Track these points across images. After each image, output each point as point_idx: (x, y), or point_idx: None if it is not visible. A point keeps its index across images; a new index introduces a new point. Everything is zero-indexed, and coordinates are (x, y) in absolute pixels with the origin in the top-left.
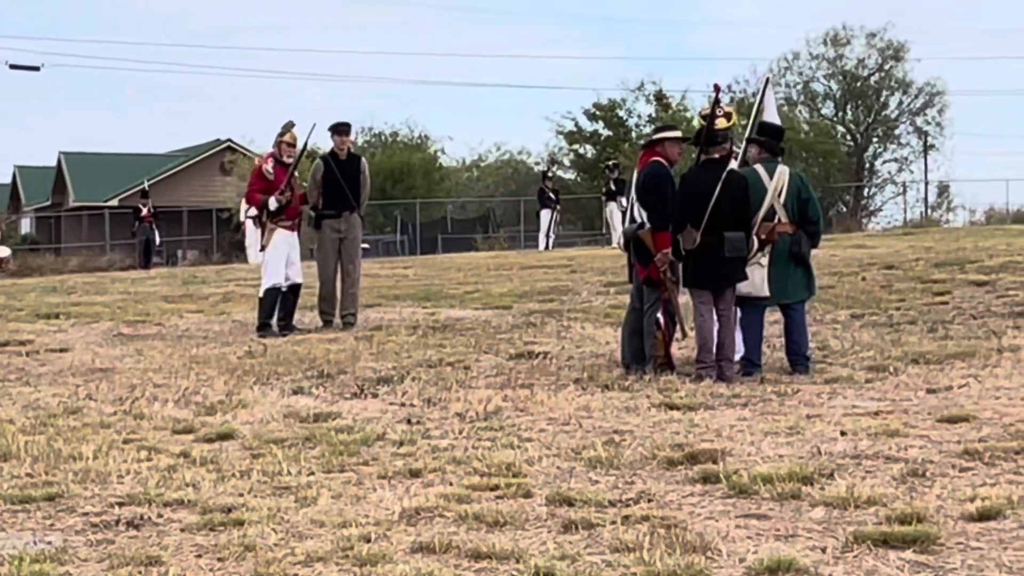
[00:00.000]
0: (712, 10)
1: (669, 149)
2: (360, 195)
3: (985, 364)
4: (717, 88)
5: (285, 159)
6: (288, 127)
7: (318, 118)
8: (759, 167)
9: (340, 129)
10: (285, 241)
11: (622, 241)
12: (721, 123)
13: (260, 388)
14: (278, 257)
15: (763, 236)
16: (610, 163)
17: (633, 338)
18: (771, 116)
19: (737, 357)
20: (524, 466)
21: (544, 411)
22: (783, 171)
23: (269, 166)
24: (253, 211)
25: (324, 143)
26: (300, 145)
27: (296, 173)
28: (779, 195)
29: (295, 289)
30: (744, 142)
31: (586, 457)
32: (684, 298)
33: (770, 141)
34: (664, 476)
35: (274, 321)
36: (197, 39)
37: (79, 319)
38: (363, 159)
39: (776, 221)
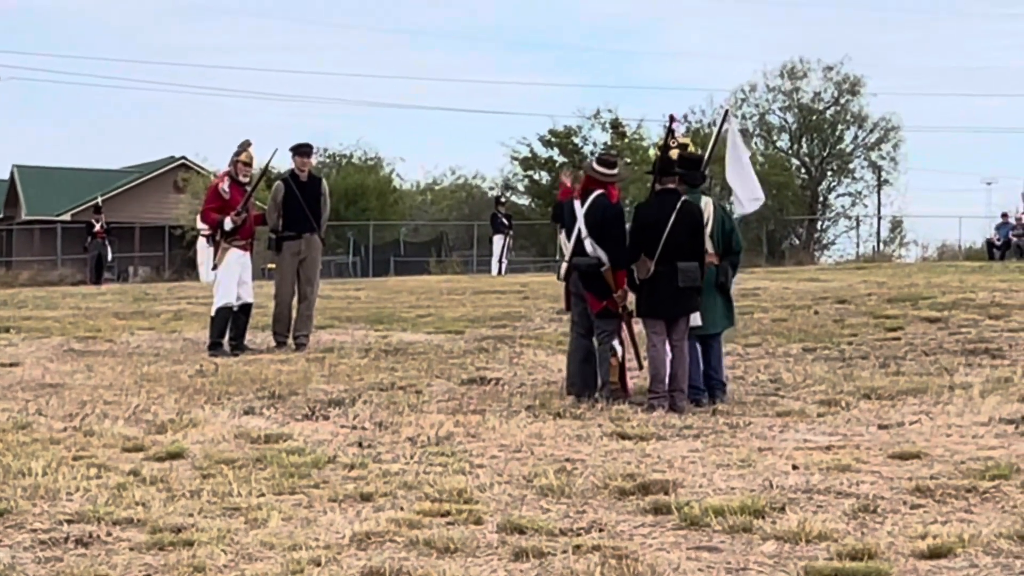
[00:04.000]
0: (669, 41)
1: (612, 185)
2: (320, 217)
3: (937, 401)
4: (672, 118)
5: (241, 178)
6: (244, 146)
7: (272, 138)
8: None
9: (301, 150)
10: (238, 261)
11: (563, 270)
12: (675, 154)
13: (211, 407)
14: (230, 276)
15: None
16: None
17: (584, 366)
18: (737, 149)
19: None
20: (475, 492)
21: (496, 437)
22: (707, 202)
23: (225, 185)
24: (207, 229)
25: (280, 163)
26: (258, 167)
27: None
28: (705, 226)
29: (246, 309)
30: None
31: (538, 485)
32: (638, 327)
33: (690, 172)
34: (615, 506)
35: (225, 341)
36: (153, 56)
37: (29, 334)
38: (324, 180)
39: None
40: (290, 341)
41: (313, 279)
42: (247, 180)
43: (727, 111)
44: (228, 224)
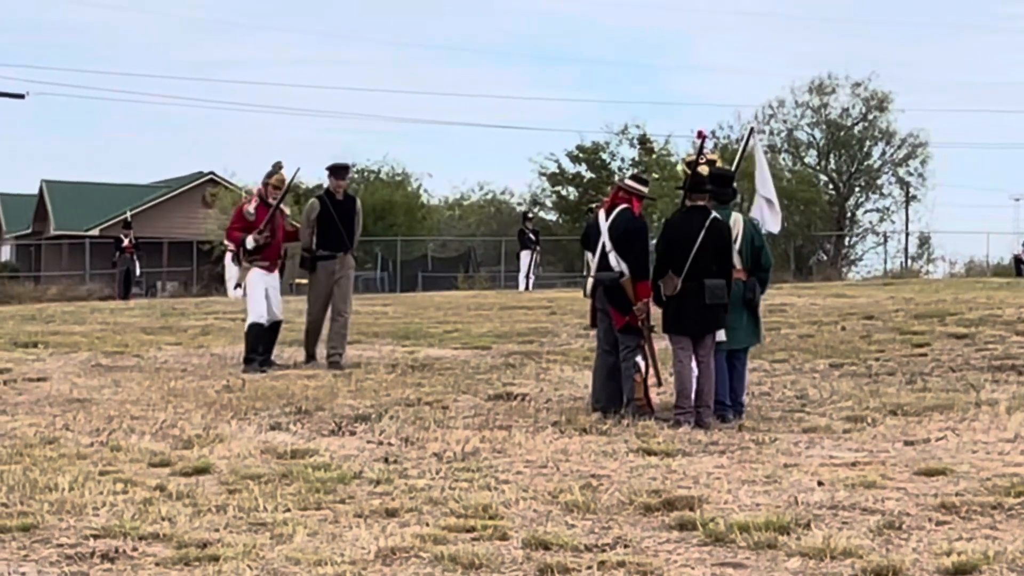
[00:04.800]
0: (697, 56)
1: (636, 200)
2: (355, 236)
3: (963, 417)
4: (700, 135)
5: (270, 200)
6: (276, 168)
7: (300, 153)
8: None
9: (338, 172)
10: (262, 279)
11: (589, 286)
12: (704, 170)
13: (238, 423)
14: (258, 293)
15: None
16: (593, 205)
17: (609, 383)
18: (760, 167)
19: None
20: (501, 508)
21: (522, 453)
22: (737, 218)
23: (251, 207)
24: (232, 247)
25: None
26: (286, 186)
27: (286, 210)
28: (734, 242)
29: (275, 326)
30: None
31: (563, 501)
32: (664, 343)
33: (719, 189)
34: (641, 522)
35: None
36: (182, 71)
37: (57, 348)
38: (358, 200)
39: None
40: (320, 357)
41: (347, 297)
42: (275, 203)
43: (752, 128)
44: (250, 243)
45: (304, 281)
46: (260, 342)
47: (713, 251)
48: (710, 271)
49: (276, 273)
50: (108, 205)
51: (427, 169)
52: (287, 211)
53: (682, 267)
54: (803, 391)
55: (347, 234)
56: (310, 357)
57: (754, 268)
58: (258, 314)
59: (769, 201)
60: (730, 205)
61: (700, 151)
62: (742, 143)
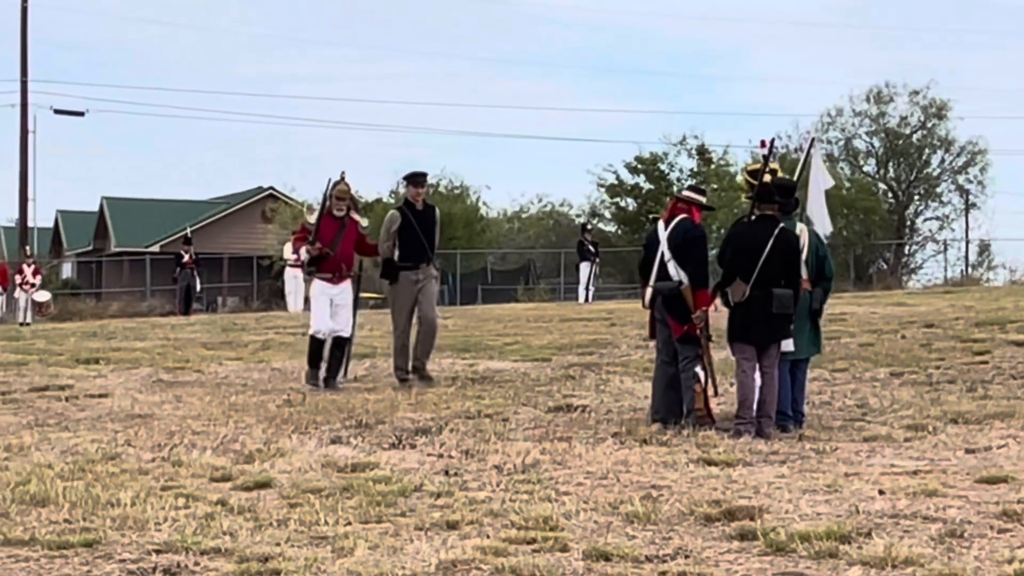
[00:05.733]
0: (754, 66)
1: (695, 210)
2: (435, 246)
3: None
4: (764, 143)
5: (335, 213)
6: (341, 178)
7: (359, 167)
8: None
9: (416, 180)
10: (324, 292)
11: (648, 296)
12: (766, 179)
13: (298, 437)
14: (318, 306)
15: None
16: (652, 216)
17: (668, 392)
18: (819, 176)
19: None
20: (561, 520)
21: (582, 465)
22: (803, 228)
23: (312, 217)
24: (294, 258)
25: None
26: (324, 196)
27: (363, 221)
28: (801, 252)
29: (340, 343)
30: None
31: (623, 512)
32: (724, 353)
33: (782, 199)
34: (701, 532)
35: (321, 372)
36: (240, 87)
37: (119, 364)
38: (437, 209)
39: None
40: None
41: (432, 302)
42: (342, 214)
43: (813, 139)
44: (303, 254)
45: (368, 295)
46: (320, 354)
47: (781, 260)
48: (778, 281)
49: (344, 286)
50: (168, 221)
51: (485, 182)
52: (364, 222)
53: (749, 276)
54: (863, 400)
55: (428, 245)
56: (402, 379)
57: (818, 278)
58: (315, 327)
59: (820, 212)
60: (793, 215)
61: (767, 160)
62: (804, 153)
